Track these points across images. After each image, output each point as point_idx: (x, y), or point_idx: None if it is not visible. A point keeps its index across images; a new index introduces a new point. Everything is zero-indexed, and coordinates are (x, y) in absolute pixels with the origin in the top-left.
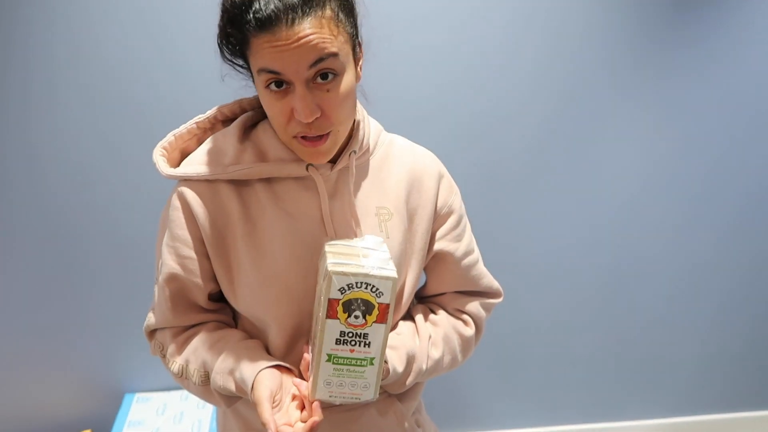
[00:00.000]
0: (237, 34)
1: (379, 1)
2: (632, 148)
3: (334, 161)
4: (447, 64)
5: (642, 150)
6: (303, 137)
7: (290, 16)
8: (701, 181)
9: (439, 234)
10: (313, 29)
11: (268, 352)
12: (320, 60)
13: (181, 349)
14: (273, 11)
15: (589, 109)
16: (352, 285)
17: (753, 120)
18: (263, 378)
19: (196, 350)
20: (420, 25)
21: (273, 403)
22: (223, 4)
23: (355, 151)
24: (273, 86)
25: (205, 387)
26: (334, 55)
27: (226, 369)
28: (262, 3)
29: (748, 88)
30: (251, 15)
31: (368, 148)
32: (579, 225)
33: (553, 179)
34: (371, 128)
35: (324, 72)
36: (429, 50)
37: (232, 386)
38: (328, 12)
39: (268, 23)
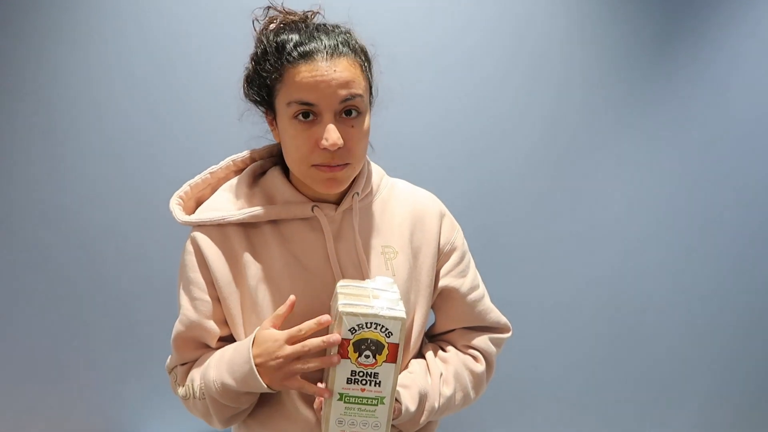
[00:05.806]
0: (273, 64)
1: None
2: (631, 194)
3: (338, 203)
4: (451, 117)
5: (641, 195)
6: (323, 165)
7: (330, 52)
8: (698, 228)
9: (443, 271)
10: (349, 68)
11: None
12: (351, 97)
13: (188, 371)
14: (315, 46)
15: (588, 158)
16: (362, 325)
17: (745, 163)
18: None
19: (200, 365)
20: (428, 83)
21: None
22: (261, 39)
23: (358, 193)
24: (301, 117)
25: (205, 400)
26: (361, 96)
27: (216, 363)
28: (305, 38)
29: (733, 135)
30: (292, 45)
31: (371, 190)
32: (580, 271)
33: (554, 226)
34: (374, 172)
35: (349, 109)
36: (435, 107)
37: (226, 377)
38: (358, 60)
39: (309, 54)
